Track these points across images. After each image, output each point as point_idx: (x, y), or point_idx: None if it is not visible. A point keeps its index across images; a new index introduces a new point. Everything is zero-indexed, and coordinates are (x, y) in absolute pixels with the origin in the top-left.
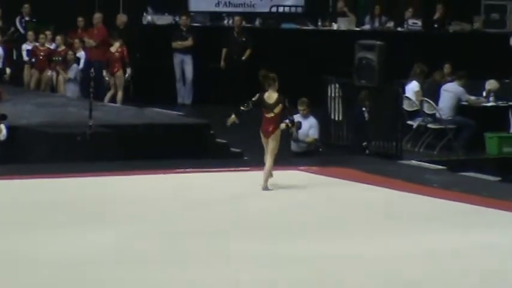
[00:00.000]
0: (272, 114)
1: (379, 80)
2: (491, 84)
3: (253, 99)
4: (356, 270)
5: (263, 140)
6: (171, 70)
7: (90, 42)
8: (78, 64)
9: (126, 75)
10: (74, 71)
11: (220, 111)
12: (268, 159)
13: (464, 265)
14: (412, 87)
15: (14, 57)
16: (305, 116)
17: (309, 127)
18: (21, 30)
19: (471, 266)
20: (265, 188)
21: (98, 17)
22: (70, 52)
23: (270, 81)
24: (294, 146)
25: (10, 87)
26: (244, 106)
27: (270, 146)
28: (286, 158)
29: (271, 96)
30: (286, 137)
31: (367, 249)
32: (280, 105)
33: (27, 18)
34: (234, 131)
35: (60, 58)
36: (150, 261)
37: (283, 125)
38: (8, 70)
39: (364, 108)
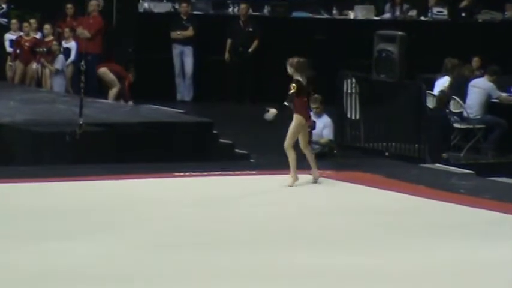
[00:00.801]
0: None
1: (400, 75)
2: None
3: (293, 90)
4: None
5: (304, 129)
6: (169, 63)
7: (84, 33)
8: (68, 55)
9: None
10: (59, 62)
11: (224, 108)
12: (308, 147)
13: (494, 280)
14: (443, 83)
15: (8, 49)
16: (318, 115)
17: (322, 127)
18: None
19: (503, 281)
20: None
21: (93, 4)
22: (54, 42)
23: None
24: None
25: None
26: (287, 101)
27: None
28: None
29: (304, 80)
30: None
31: (390, 263)
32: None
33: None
34: (240, 131)
35: (44, 49)
36: (137, 276)
37: None
38: None
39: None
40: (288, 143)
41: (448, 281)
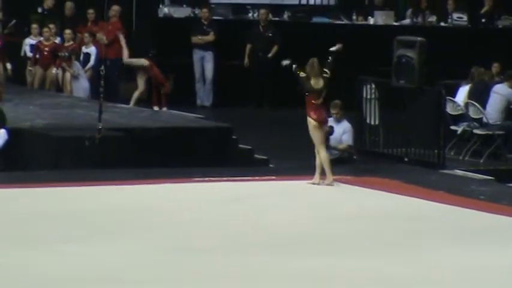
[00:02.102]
0: (322, 100)
1: (419, 81)
2: None
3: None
4: None
5: (316, 129)
6: (189, 68)
7: (103, 39)
8: (87, 60)
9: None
10: (76, 67)
11: (243, 114)
12: (324, 149)
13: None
14: (466, 91)
15: (22, 54)
16: (338, 120)
17: (342, 132)
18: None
19: None
20: (332, 183)
21: (115, 9)
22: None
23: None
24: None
25: (11, 85)
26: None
27: (322, 134)
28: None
29: (318, 82)
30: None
31: (407, 269)
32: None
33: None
34: (259, 136)
35: (66, 54)
36: (159, 279)
37: None
38: (8, 66)
39: None
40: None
41: (466, 286)
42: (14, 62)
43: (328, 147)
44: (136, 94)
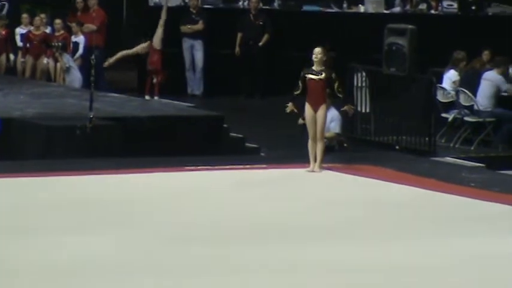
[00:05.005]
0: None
1: (410, 68)
2: None
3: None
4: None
5: (312, 115)
6: (179, 57)
7: (90, 26)
8: (77, 50)
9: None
10: (66, 59)
11: (234, 102)
12: (317, 140)
13: (502, 273)
14: (450, 77)
15: (18, 44)
16: (326, 108)
17: (330, 120)
18: None
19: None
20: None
21: None
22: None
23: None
24: None
25: (1, 75)
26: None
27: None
28: (305, 155)
29: (321, 71)
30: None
31: (397, 256)
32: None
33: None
34: (250, 124)
35: (59, 43)
36: (152, 269)
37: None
38: (12, 56)
39: None
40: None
41: (456, 273)
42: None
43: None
44: (124, 53)
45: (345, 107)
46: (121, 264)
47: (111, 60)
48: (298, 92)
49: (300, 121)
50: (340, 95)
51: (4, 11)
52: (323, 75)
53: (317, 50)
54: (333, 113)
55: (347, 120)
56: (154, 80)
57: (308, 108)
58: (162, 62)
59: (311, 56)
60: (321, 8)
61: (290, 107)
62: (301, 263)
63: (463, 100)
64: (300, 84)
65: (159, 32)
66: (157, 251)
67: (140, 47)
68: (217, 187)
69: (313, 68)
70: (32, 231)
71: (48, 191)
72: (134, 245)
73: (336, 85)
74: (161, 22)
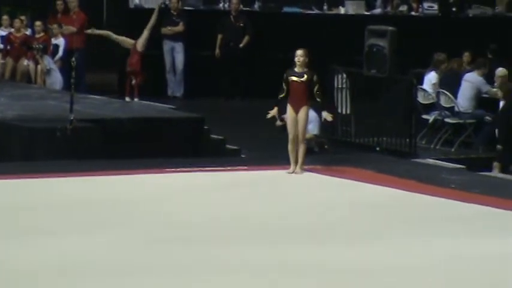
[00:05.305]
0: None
1: (391, 70)
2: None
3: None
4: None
5: (293, 117)
6: (160, 59)
7: (70, 28)
8: (56, 52)
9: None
10: (47, 61)
11: (215, 104)
12: (300, 141)
13: (480, 274)
14: (431, 78)
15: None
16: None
17: (308, 122)
18: None
19: (489, 276)
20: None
21: (72, 0)
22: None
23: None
24: None
25: None
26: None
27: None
28: (286, 156)
29: (303, 73)
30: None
31: (383, 258)
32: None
33: None
34: (230, 126)
35: (41, 46)
36: (136, 269)
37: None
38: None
39: None
40: None
41: (435, 274)
42: None
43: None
44: (109, 33)
45: (324, 116)
46: (106, 265)
47: (96, 31)
48: (283, 95)
49: (278, 123)
50: (318, 99)
51: None
52: (305, 77)
53: (299, 53)
54: (311, 114)
55: (328, 123)
56: (134, 82)
57: (290, 110)
58: (142, 64)
59: (293, 58)
60: (302, 10)
61: (272, 113)
62: (281, 263)
63: (443, 102)
64: (284, 86)
65: (144, 35)
66: (139, 252)
67: (126, 40)
68: (197, 189)
69: (295, 69)
70: (7, 233)
71: (28, 193)
72: (116, 247)
73: (315, 88)
74: (149, 25)
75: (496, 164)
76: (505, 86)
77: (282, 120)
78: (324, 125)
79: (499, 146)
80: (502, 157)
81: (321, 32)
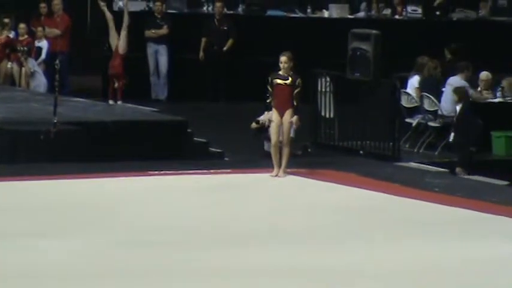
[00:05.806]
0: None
1: (374, 73)
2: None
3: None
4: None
5: (278, 120)
6: (143, 62)
7: (54, 31)
8: (39, 55)
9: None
10: (31, 63)
11: (198, 107)
12: (284, 145)
13: (463, 277)
14: (414, 82)
15: None
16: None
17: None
18: None
19: (472, 279)
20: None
21: (57, 2)
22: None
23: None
24: (267, 146)
25: None
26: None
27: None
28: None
29: (287, 77)
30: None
31: (365, 262)
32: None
33: None
34: (214, 129)
35: (25, 48)
36: (114, 274)
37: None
38: None
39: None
40: None
41: (416, 278)
42: None
43: (268, 140)
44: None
45: (292, 119)
46: (82, 269)
47: (105, 8)
48: (270, 100)
49: (253, 125)
50: (295, 103)
51: None
52: (290, 79)
53: (283, 59)
54: None
55: (311, 126)
56: (116, 85)
57: (275, 113)
58: (124, 67)
59: (277, 61)
60: (285, 13)
61: (254, 125)
62: (263, 266)
63: (427, 105)
64: (270, 90)
65: (122, 35)
66: (119, 255)
67: (115, 36)
68: (181, 192)
69: (280, 72)
70: None
71: (11, 195)
72: (93, 250)
73: (294, 92)
74: (124, 25)
75: (458, 169)
76: (459, 90)
77: (258, 122)
78: (307, 129)
79: (472, 149)
80: (463, 160)
81: (305, 36)
